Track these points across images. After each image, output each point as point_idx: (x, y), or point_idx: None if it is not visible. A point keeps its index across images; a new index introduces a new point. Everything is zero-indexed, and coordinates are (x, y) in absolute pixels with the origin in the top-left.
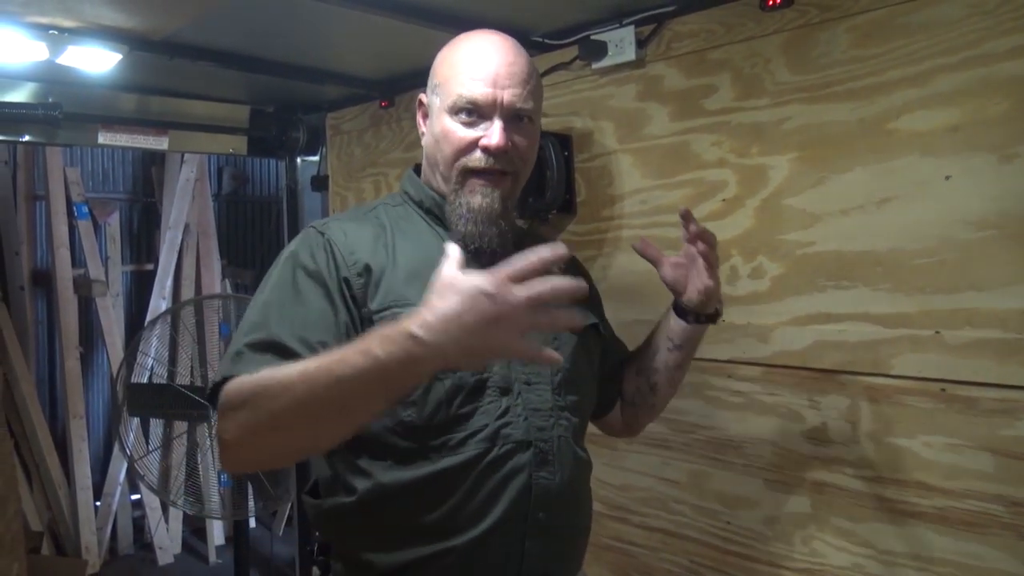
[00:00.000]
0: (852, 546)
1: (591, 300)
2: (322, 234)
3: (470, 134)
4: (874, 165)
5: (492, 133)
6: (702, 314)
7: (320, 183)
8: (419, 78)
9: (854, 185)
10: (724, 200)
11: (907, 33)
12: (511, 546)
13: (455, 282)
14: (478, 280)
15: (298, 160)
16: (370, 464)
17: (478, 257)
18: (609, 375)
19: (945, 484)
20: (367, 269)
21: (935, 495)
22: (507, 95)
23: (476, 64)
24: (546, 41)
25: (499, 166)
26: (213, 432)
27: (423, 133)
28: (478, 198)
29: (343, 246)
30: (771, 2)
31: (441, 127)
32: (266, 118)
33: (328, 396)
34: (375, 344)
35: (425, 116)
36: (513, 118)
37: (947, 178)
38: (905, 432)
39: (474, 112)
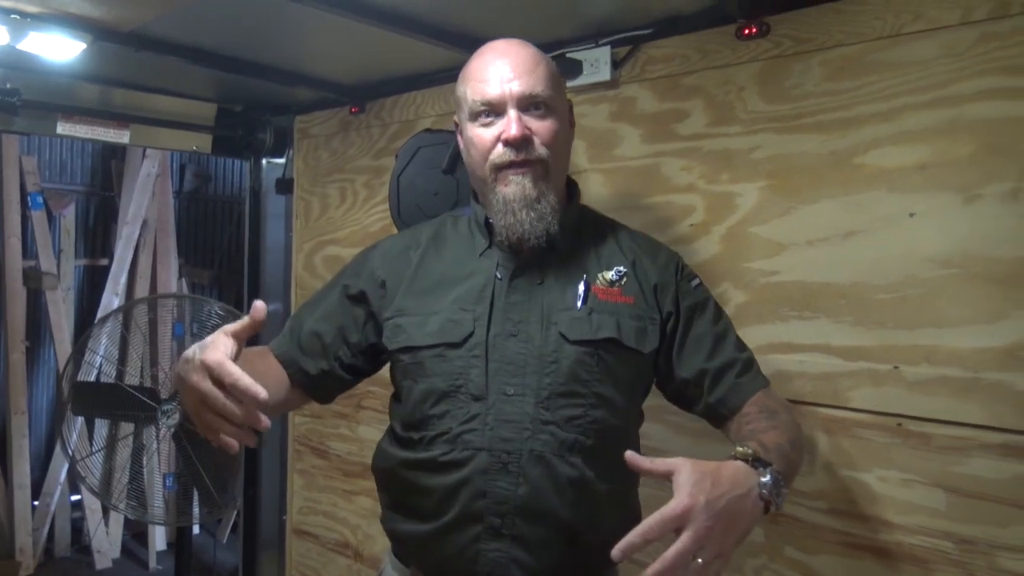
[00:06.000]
0: None
1: (636, 303)
2: (373, 248)
3: (491, 133)
4: (841, 198)
5: (508, 125)
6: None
7: (285, 186)
8: (391, 85)
9: (821, 217)
10: (692, 225)
11: (879, 70)
12: (466, 545)
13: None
14: (198, 353)
15: (263, 162)
16: (390, 439)
17: (519, 251)
18: (678, 388)
19: (897, 519)
20: (382, 284)
21: (887, 529)
22: (515, 86)
23: (482, 68)
24: None
25: (523, 156)
26: (160, 434)
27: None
28: (511, 187)
29: (374, 260)
30: (747, 31)
31: (468, 136)
32: (233, 117)
33: None
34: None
35: (462, 136)
36: (528, 107)
37: (911, 215)
38: (861, 465)
39: (491, 112)
